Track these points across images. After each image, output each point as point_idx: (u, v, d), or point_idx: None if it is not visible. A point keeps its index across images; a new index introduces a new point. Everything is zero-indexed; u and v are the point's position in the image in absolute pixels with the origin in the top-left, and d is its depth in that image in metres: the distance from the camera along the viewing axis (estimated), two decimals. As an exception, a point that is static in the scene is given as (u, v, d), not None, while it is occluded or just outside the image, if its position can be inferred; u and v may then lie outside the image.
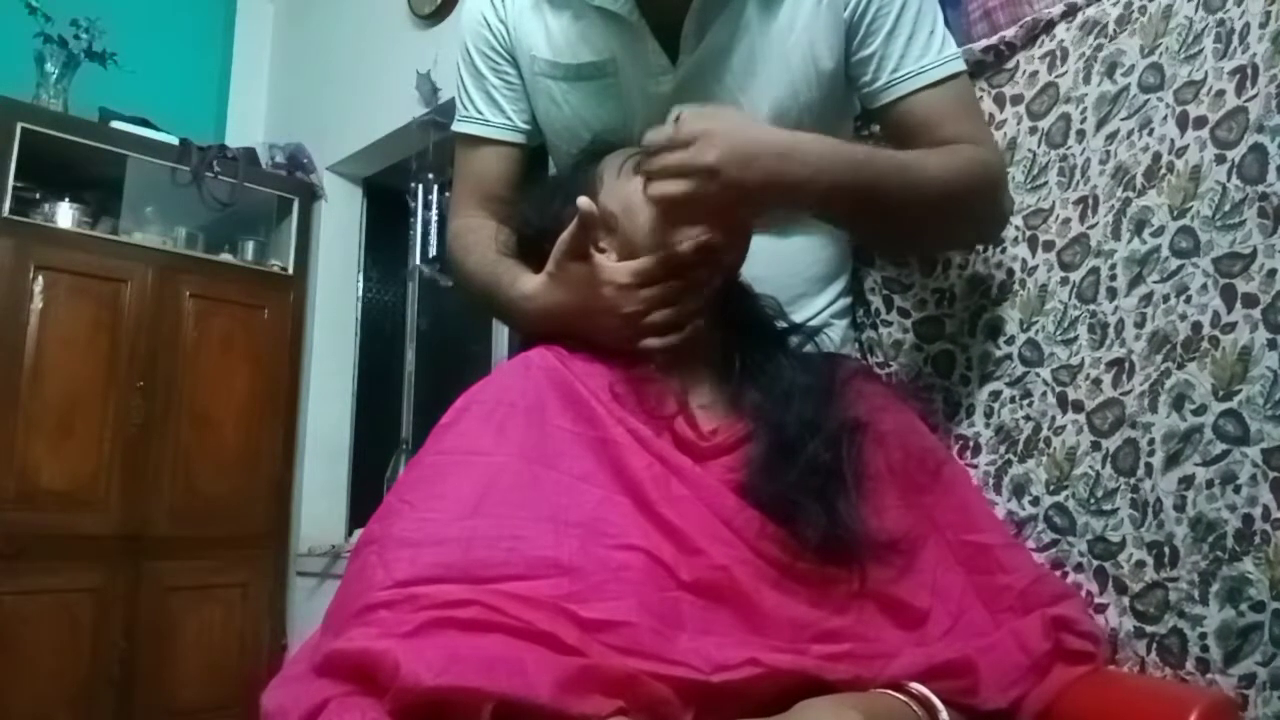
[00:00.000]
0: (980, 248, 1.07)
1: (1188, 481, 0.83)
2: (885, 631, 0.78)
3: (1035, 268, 1.01)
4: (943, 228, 0.98)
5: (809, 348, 0.99)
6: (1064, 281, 0.98)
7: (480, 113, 1.13)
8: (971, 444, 1.03)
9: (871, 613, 0.79)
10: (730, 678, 0.68)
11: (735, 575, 0.75)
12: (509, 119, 1.13)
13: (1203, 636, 0.80)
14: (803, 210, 0.92)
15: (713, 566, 0.76)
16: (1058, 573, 0.91)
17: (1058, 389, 0.96)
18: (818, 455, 0.82)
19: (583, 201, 0.85)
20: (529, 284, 0.94)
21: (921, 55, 0.99)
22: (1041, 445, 0.96)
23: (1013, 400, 1.00)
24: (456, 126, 1.16)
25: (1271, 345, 0.79)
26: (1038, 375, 0.98)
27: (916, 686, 0.71)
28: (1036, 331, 0.99)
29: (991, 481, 0.99)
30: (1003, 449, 1.00)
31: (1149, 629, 0.84)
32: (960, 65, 1.01)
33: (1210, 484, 0.81)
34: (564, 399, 0.85)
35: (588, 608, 0.69)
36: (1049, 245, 1.00)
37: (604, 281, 0.87)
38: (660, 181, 0.82)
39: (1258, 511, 0.78)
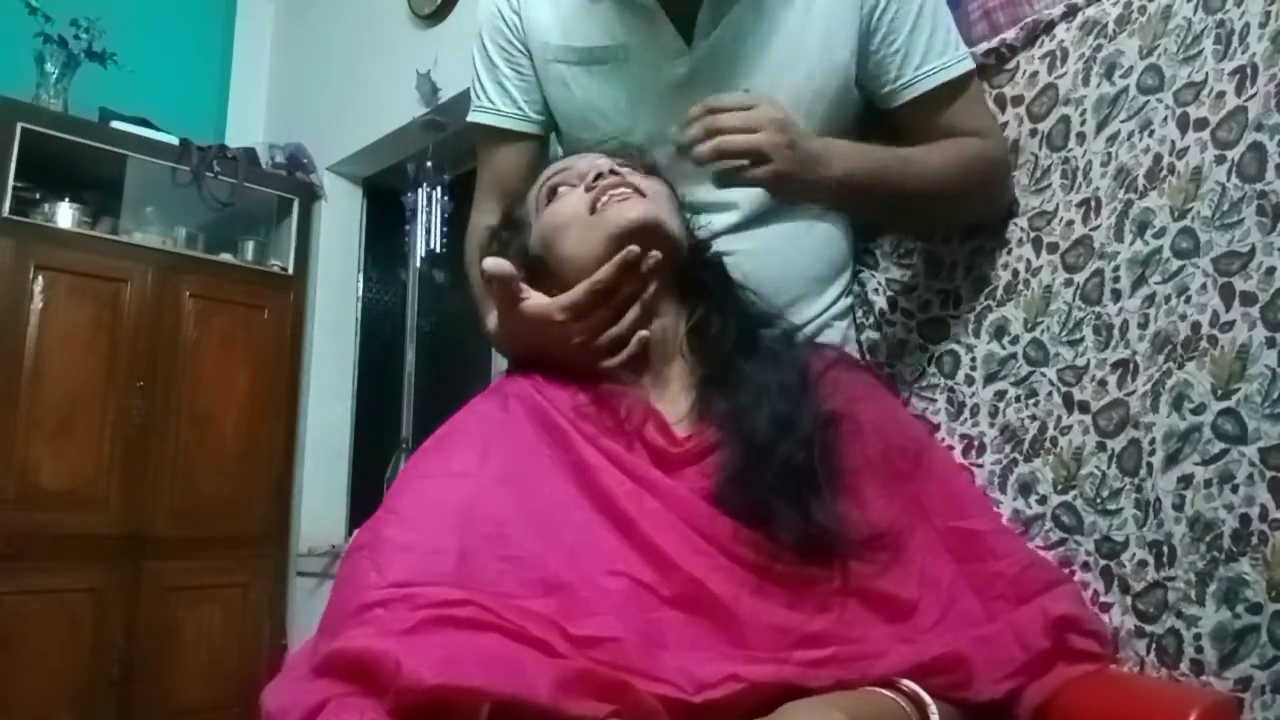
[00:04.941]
0: (987, 248, 1.07)
1: (1186, 480, 0.83)
2: (871, 629, 0.77)
3: (1039, 269, 1.01)
4: (942, 213, 1.06)
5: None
6: (1068, 283, 0.98)
7: (492, 102, 1.15)
8: (976, 444, 1.03)
9: (855, 610, 0.78)
10: (712, 696, 0.68)
11: (711, 588, 0.75)
12: (520, 109, 1.14)
13: (1198, 638, 0.80)
14: (822, 193, 0.98)
15: (688, 580, 0.75)
16: (1065, 571, 0.90)
17: (1063, 389, 0.96)
18: (790, 456, 0.81)
19: (488, 265, 0.89)
20: (491, 323, 0.97)
21: (942, 52, 1.02)
22: (1048, 445, 0.96)
23: (1018, 400, 1.00)
24: (471, 116, 1.18)
25: (1270, 343, 0.79)
26: (1043, 375, 0.98)
27: (907, 683, 0.71)
28: (1041, 332, 0.99)
29: (997, 480, 0.99)
30: (1008, 449, 0.99)
31: (1148, 629, 0.84)
32: (972, 63, 1.05)
33: (1208, 483, 0.81)
34: (540, 425, 0.86)
35: (576, 625, 0.69)
36: (1053, 247, 1.00)
37: (541, 321, 0.90)
38: (729, 136, 0.85)
39: (1255, 511, 0.77)
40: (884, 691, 0.71)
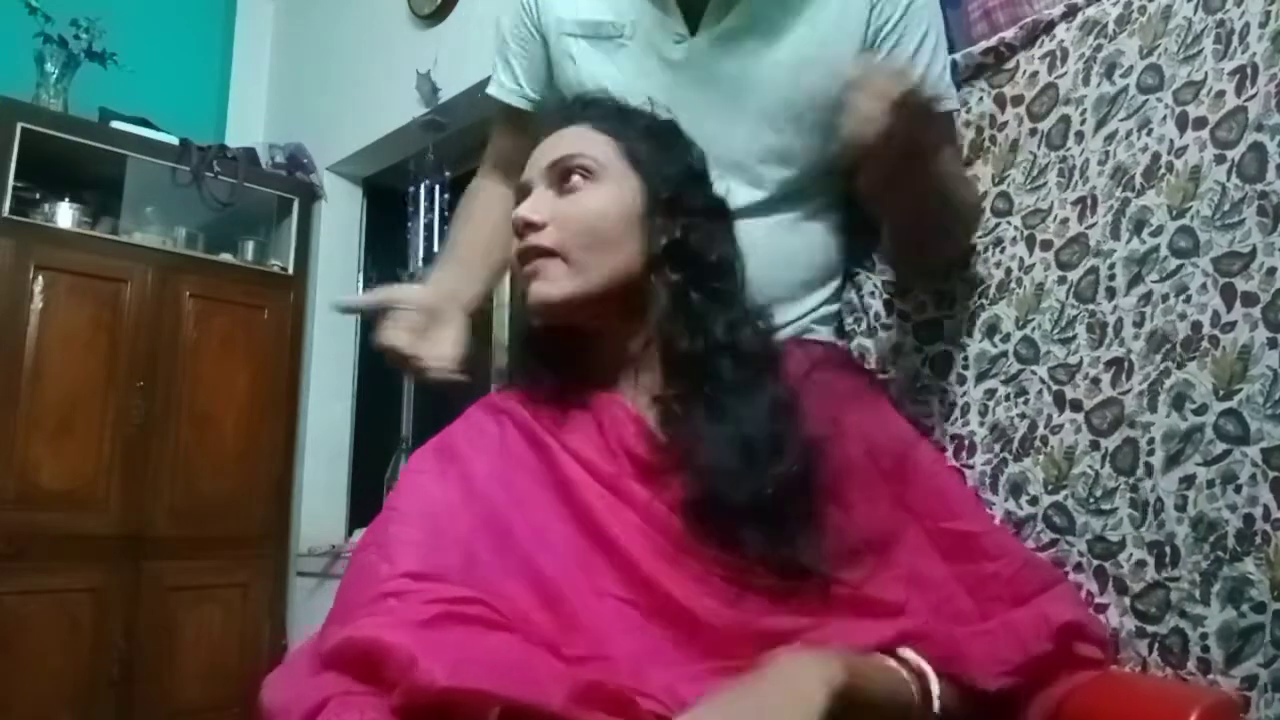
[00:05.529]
0: (981, 247, 1.07)
1: (1189, 481, 0.83)
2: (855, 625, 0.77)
3: (1032, 266, 1.01)
4: (937, 240, 1.07)
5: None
6: (1061, 280, 0.98)
7: (500, 78, 1.22)
8: (967, 443, 1.03)
9: (841, 612, 0.77)
10: None
11: (689, 603, 0.75)
12: (518, 84, 1.20)
13: (1204, 637, 0.80)
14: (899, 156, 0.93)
15: (666, 596, 0.75)
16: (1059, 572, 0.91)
17: (1054, 387, 0.95)
18: (756, 489, 0.78)
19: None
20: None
21: (934, 87, 1.01)
22: (1038, 444, 0.96)
23: (1008, 398, 1.00)
24: (488, 89, 1.26)
25: (1272, 344, 0.79)
26: (1034, 373, 0.98)
27: (910, 655, 0.71)
28: (1033, 329, 0.99)
29: (988, 480, 0.99)
30: (998, 448, 0.99)
31: (1150, 629, 0.84)
32: (957, 104, 1.08)
33: (1211, 484, 0.81)
34: (526, 440, 0.86)
35: (568, 643, 0.70)
36: (1047, 244, 1.00)
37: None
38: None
39: (1258, 511, 0.78)
40: (886, 658, 0.71)
